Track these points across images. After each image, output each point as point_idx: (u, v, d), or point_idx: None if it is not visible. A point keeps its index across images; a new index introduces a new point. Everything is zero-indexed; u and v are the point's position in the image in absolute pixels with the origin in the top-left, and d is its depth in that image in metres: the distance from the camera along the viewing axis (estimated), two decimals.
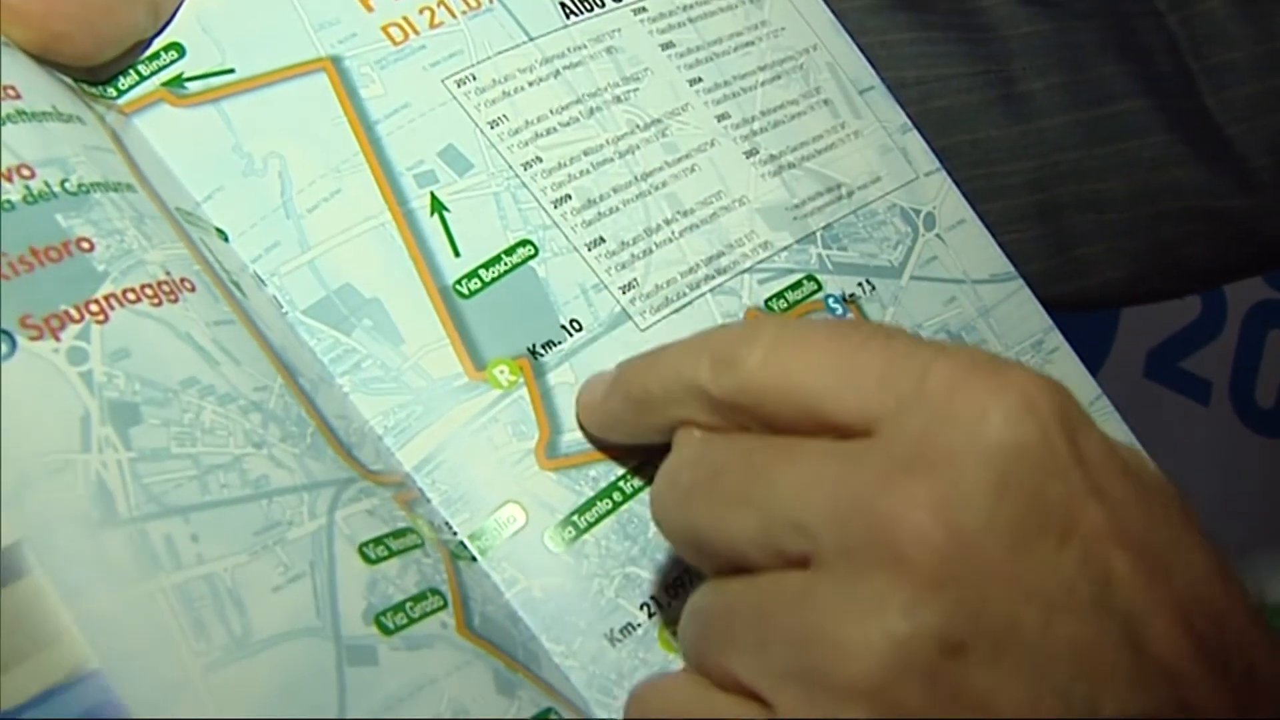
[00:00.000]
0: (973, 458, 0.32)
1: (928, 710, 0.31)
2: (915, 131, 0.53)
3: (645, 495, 0.42)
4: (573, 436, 0.42)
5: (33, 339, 0.35)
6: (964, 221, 0.53)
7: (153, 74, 0.43)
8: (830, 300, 0.47)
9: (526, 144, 0.45)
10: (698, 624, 0.35)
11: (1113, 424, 0.53)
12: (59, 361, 0.35)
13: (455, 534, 0.40)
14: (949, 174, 0.53)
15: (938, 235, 0.52)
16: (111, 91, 0.42)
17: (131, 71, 0.42)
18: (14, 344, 0.34)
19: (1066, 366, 0.52)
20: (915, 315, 0.49)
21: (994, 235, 0.53)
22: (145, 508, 0.34)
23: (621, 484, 0.42)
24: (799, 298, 0.47)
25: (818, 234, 0.48)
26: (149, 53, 0.43)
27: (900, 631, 0.31)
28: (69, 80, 0.41)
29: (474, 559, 0.40)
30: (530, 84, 0.46)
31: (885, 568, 0.31)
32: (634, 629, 0.40)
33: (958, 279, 0.51)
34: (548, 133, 0.45)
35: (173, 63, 0.43)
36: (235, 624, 0.34)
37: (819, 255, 0.48)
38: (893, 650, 0.31)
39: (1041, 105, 0.56)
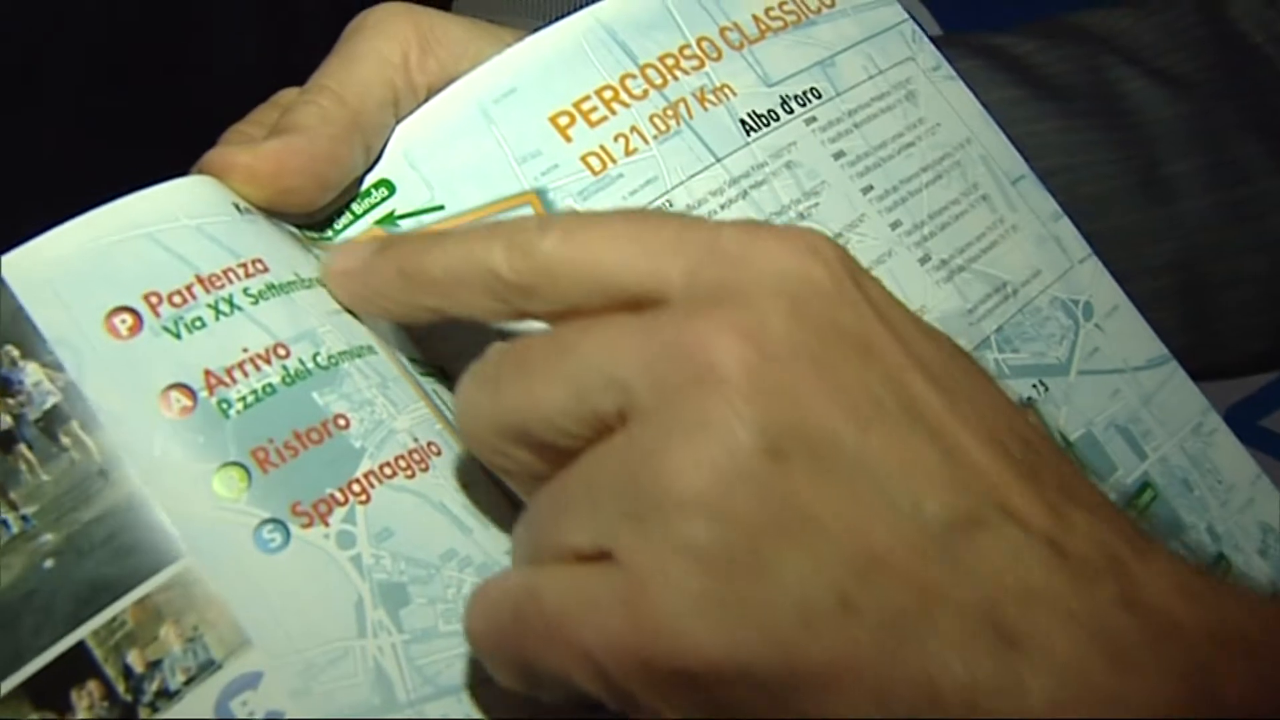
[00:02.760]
0: (766, 290, 0.33)
1: (760, 516, 0.31)
2: (1066, 218, 0.54)
3: None
4: None
5: (304, 526, 0.36)
6: (1118, 308, 0.54)
7: (365, 213, 0.43)
8: None
9: None
10: (528, 524, 0.35)
11: (1273, 502, 0.54)
12: (330, 548, 0.36)
13: None
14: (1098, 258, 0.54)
15: (1096, 325, 0.53)
16: (329, 233, 0.43)
17: (346, 212, 0.43)
18: (288, 534, 0.36)
19: (1227, 448, 0.54)
20: (1086, 413, 0.50)
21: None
22: (422, 690, 0.35)
23: None
24: None
25: (992, 338, 0.50)
26: (361, 191, 0.43)
27: (722, 442, 0.32)
28: (293, 229, 0.42)
29: None
30: (721, 206, 0.46)
31: (699, 391, 0.32)
32: None
33: (1119, 368, 0.52)
34: None
35: (383, 200, 0.43)
36: None
37: (995, 360, 0.49)
38: (719, 462, 0.32)
39: (1184, 187, 0.57)
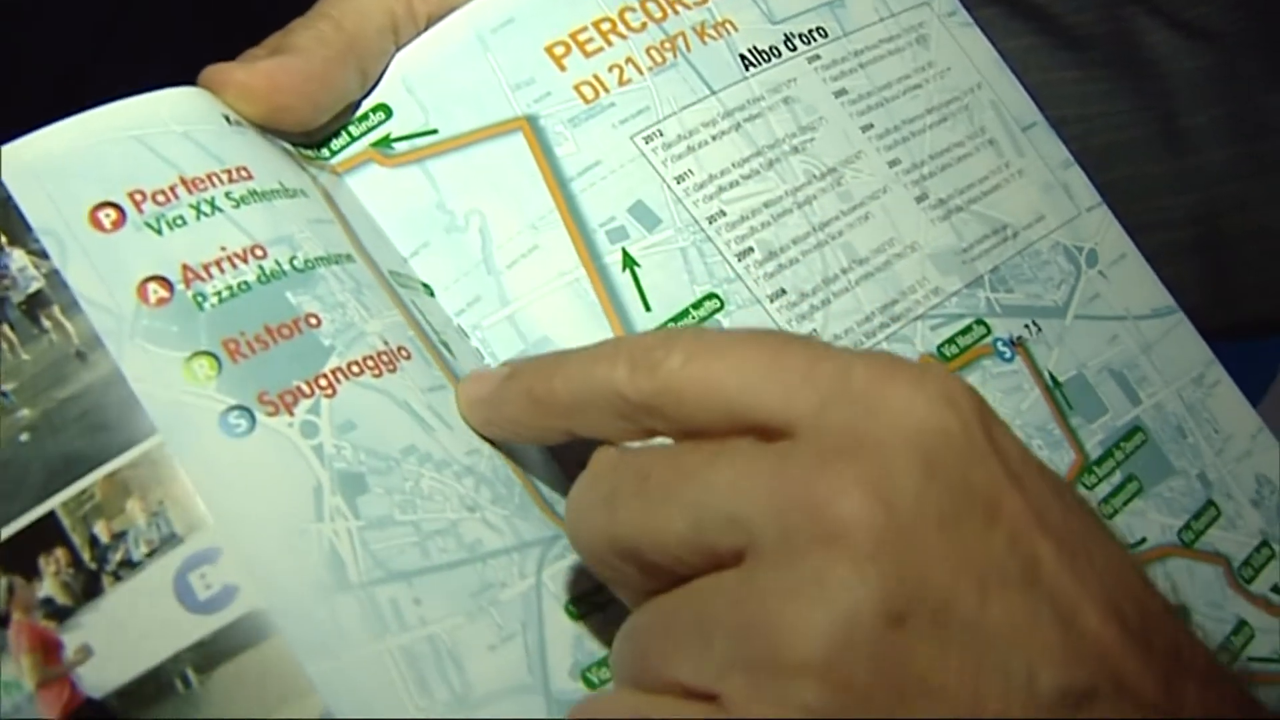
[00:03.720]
0: (900, 443, 0.33)
1: (874, 683, 0.31)
2: (1077, 166, 0.55)
3: None
4: None
5: (269, 414, 0.38)
6: (1125, 256, 0.54)
7: (363, 134, 0.45)
8: (999, 344, 0.49)
9: (711, 198, 0.47)
10: (632, 643, 0.36)
11: (1274, 454, 0.54)
12: (293, 436, 0.38)
13: None
14: (1110, 208, 0.55)
15: (1100, 272, 0.53)
16: (326, 153, 0.45)
17: (343, 133, 0.45)
18: (253, 420, 0.37)
19: (1229, 400, 0.54)
20: (1079, 354, 0.51)
21: (1153, 268, 0.55)
22: (373, 573, 0.37)
23: None
24: (969, 342, 0.49)
25: (985, 277, 0.50)
26: (359, 114, 0.45)
27: (842, 606, 0.31)
28: (289, 146, 0.44)
29: None
30: (713, 138, 0.48)
31: (824, 547, 0.32)
32: None
33: (1120, 315, 0.53)
34: (730, 186, 0.47)
35: (381, 124, 0.45)
36: (455, 682, 0.37)
37: (987, 299, 0.50)
38: (836, 625, 0.31)
39: (1203, 139, 0.57)
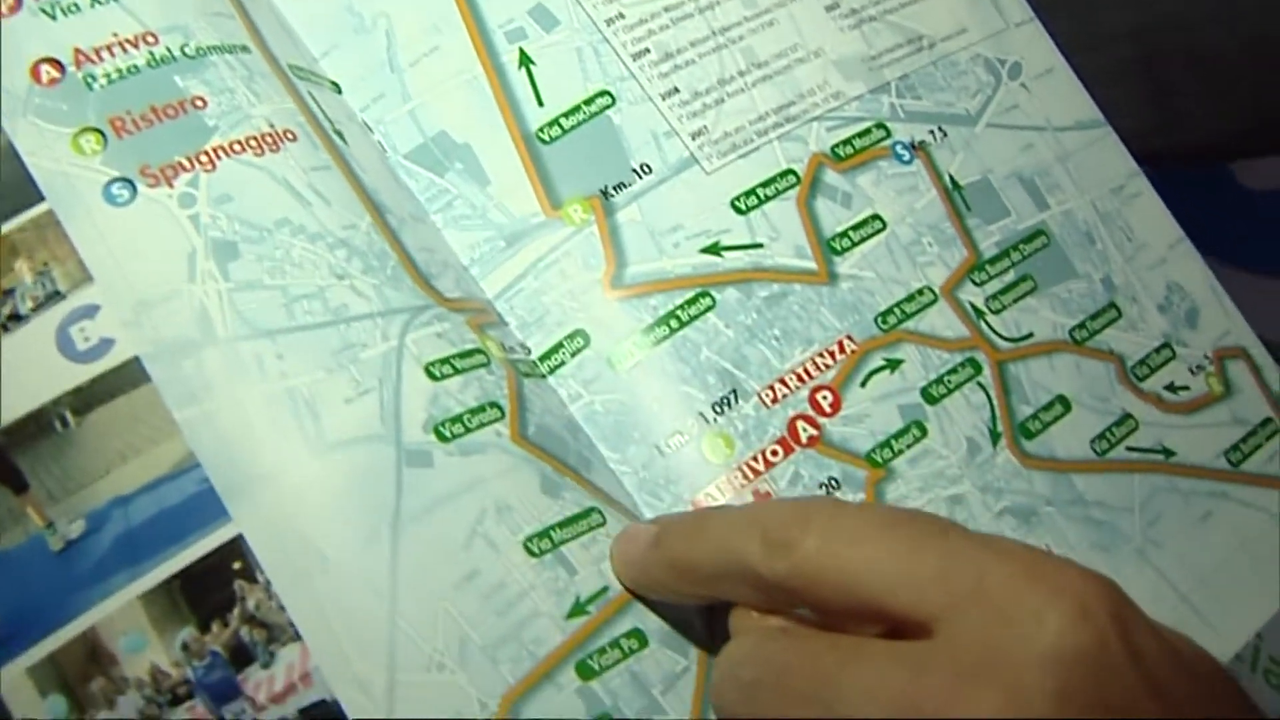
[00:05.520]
0: (1033, 665, 0.33)
1: None
2: None
3: (699, 323, 0.46)
4: (635, 269, 0.47)
5: (150, 186, 0.41)
6: (1052, 70, 0.55)
7: None
8: (898, 147, 0.51)
9: (610, 1, 0.49)
10: None
11: (1191, 265, 0.55)
12: (171, 206, 0.41)
13: (529, 353, 0.46)
14: (1045, 25, 0.55)
15: (1021, 84, 0.54)
16: None
17: None
18: (134, 190, 0.41)
19: (1149, 211, 0.55)
20: (986, 160, 0.52)
21: (1091, 88, 0.55)
22: (239, 330, 0.41)
23: (679, 312, 0.46)
24: (866, 144, 0.50)
25: (892, 84, 0.52)
26: None
27: None
28: None
29: (544, 376, 0.45)
30: None
31: None
32: (682, 439, 0.45)
33: (1038, 126, 0.54)
34: None
35: None
36: (310, 429, 0.40)
37: (891, 104, 0.51)
38: None
39: None
